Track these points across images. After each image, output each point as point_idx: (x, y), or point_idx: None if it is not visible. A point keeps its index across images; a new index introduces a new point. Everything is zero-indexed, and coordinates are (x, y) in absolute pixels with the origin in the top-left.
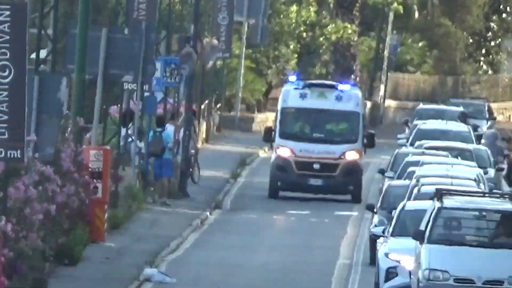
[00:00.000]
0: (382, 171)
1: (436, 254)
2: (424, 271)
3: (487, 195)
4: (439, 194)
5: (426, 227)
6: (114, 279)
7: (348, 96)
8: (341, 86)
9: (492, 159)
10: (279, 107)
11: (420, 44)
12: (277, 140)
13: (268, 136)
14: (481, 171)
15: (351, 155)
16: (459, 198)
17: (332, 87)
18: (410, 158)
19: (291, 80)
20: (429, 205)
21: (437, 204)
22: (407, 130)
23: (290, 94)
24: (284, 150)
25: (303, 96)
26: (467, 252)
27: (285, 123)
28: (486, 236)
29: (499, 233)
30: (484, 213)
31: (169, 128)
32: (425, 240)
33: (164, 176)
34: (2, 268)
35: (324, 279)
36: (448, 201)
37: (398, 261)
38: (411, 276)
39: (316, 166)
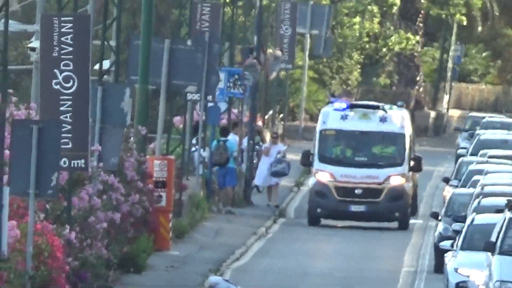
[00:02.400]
0: (446, 180)
1: (508, 265)
2: (496, 283)
3: None
4: (511, 205)
5: (497, 238)
6: (179, 286)
7: (393, 117)
8: (386, 107)
9: None
10: (317, 129)
11: (484, 54)
12: (316, 164)
13: (306, 160)
14: None
15: (396, 180)
16: None
17: (376, 108)
18: (474, 167)
19: (337, 107)
20: (499, 218)
21: (508, 215)
22: (459, 137)
23: (329, 116)
24: (324, 174)
25: (344, 117)
26: None
27: (324, 146)
28: None
29: None
30: None
31: (233, 137)
32: (497, 251)
33: (228, 185)
34: (67, 276)
35: (389, 287)
36: None
37: (468, 276)
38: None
39: (358, 191)
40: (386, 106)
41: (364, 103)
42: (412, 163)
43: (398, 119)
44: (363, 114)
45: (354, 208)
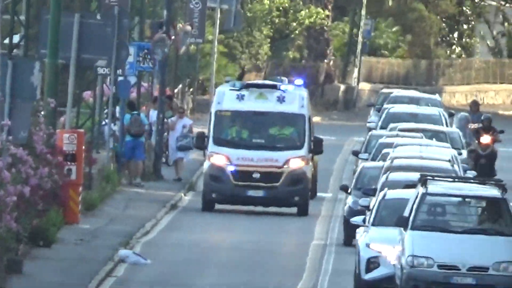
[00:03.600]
0: (356, 153)
1: (420, 240)
2: (408, 258)
3: (471, 181)
4: (423, 180)
5: (410, 213)
6: (88, 260)
7: (292, 96)
8: (283, 86)
9: (464, 140)
10: (212, 110)
11: (394, 28)
12: (211, 146)
13: (200, 142)
14: (455, 152)
15: (296, 163)
16: (443, 184)
17: (273, 87)
18: (384, 140)
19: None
20: (410, 193)
21: (421, 190)
22: (371, 113)
23: (225, 95)
24: (219, 158)
25: (240, 97)
26: (452, 239)
27: (219, 128)
28: (471, 222)
29: (484, 219)
30: (468, 199)
31: (152, 113)
32: (409, 227)
33: (137, 158)
34: None
35: (299, 259)
36: (433, 187)
37: (380, 251)
38: (395, 262)
39: (256, 175)
40: (284, 86)
41: (261, 83)
42: (312, 145)
43: (297, 98)
44: (260, 94)
45: (251, 193)
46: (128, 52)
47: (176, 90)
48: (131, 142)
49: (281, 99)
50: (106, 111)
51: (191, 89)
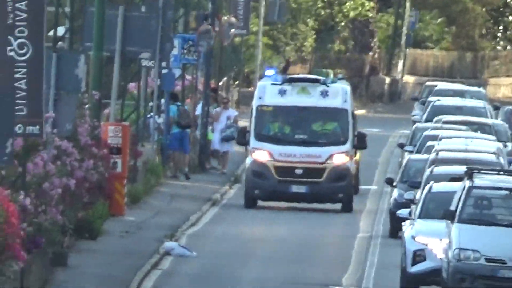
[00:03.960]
0: (401, 145)
1: (467, 233)
2: (455, 251)
3: None
4: (470, 173)
5: (456, 207)
6: (134, 252)
7: (334, 91)
8: (326, 81)
9: (509, 133)
10: (253, 105)
11: (439, 20)
12: (253, 142)
13: (242, 138)
14: (501, 144)
15: (340, 159)
16: (489, 177)
17: (316, 81)
18: (429, 132)
19: (268, 74)
20: (458, 186)
21: (468, 183)
22: (415, 106)
23: (266, 90)
24: (261, 153)
25: (282, 92)
26: (498, 232)
27: (261, 123)
28: None
29: None
30: None
31: (199, 105)
32: (456, 220)
33: (185, 151)
34: (22, 242)
35: (344, 252)
36: (479, 180)
37: (426, 244)
38: (442, 256)
39: (298, 171)
40: (327, 80)
41: (303, 77)
42: (356, 140)
43: (340, 93)
44: (302, 89)
45: (294, 189)
46: (173, 44)
47: (220, 83)
48: (178, 134)
49: (324, 94)
50: (151, 103)
51: (236, 82)
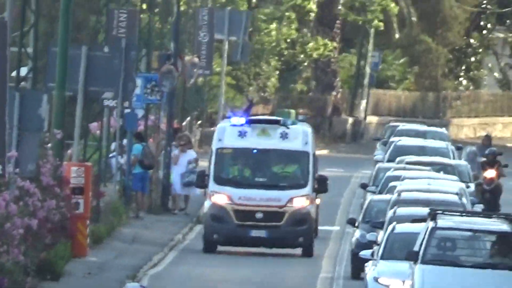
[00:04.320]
0: (364, 186)
1: (430, 274)
2: None
3: (481, 215)
4: (433, 214)
5: (419, 248)
6: None
7: (295, 133)
8: (287, 122)
9: (471, 173)
10: (213, 147)
11: (401, 60)
12: (212, 185)
13: (201, 182)
14: (463, 185)
15: (300, 202)
16: (453, 218)
17: (276, 123)
18: (392, 173)
19: (233, 122)
20: (420, 227)
21: (431, 224)
22: (378, 146)
23: (226, 132)
24: (220, 197)
25: (242, 134)
26: (462, 273)
27: (220, 166)
28: (481, 256)
29: (494, 254)
30: (478, 234)
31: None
32: (419, 261)
33: (145, 191)
34: None
35: None
36: (442, 221)
37: (388, 286)
38: None
39: (258, 215)
40: (287, 121)
41: (263, 118)
42: (316, 183)
43: (301, 135)
44: (262, 130)
45: (254, 233)
46: (135, 84)
47: (184, 123)
48: (141, 174)
49: (284, 136)
50: (113, 143)
51: (199, 122)
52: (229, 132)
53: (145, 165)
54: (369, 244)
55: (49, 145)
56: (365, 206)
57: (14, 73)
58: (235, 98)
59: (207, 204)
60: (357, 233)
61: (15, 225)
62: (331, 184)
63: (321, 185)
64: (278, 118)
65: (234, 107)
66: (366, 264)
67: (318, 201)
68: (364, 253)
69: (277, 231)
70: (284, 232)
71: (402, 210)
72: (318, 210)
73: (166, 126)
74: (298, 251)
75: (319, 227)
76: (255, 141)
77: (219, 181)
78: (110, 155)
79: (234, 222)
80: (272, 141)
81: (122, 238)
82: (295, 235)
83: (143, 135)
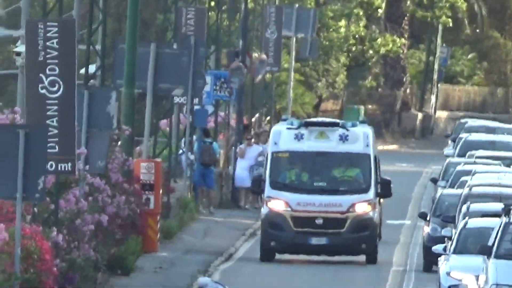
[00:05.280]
0: (434, 180)
1: (504, 269)
2: (492, 286)
3: None
4: (507, 210)
5: (493, 242)
6: None
7: (355, 135)
8: (346, 124)
9: None
10: (268, 151)
11: (470, 56)
12: (268, 191)
13: (257, 187)
14: None
15: (362, 208)
16: None
17: (335, 125)
18: (462, 167)
19: (284, 120)
20: (492, 222)
21: (505, 219)
22: (449, 143)
23: (282, 135)
24: (278, 203)
25: (298, 137)
26: None
27: (277, 171)
28: None
29: None
30: None
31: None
32: (493, 255)
33: (208, 187)
34: (55, 279)
35: (379, 285)
36: None
37: (460, 280)
38: None
39: (318, 221)
40: (347, 123)
41: (321, 121)
42: (379, 187)
43: (361, 137)
44: (320, 133)
45: (314, 240)
46: (205, 81)
47: (253, 119)
48: (200, 170)
49: (343, 138)
50: (183, 140)
51: (267, 118)
52: (285, 135)
53: (205, 162)
54: (441, 238)
55: (119, 142)
56: (436, 201)
57: (82, 71)
58: (304, 95)
59: (263, 210)
60: (429, 227)
61: (85, 221)
62: (402, 179)
63: (385, 189)
64: (337, 120)
65: (303, 103)
66: (439, 259)
67: (382, 203)
68: (437, 248)
69: (338, 238)
70: (346, 239)
71: (475, 206)
72: (382, 213)
73: (236, 122)
74: (362, 258)
75: (390, 221)
76: (312, 144)
77: (276, 186)
78: (180, 151)
79: (292, 229)
80: (330, 144)
81: (192, 233)
82: (358, 242)
83: (209, 131)
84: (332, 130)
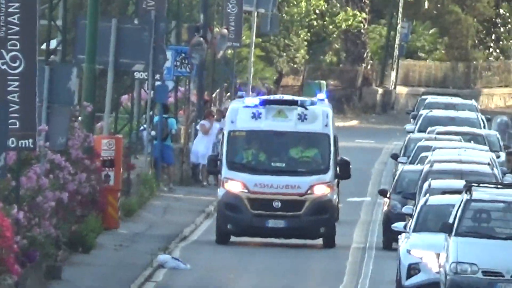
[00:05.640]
0: (395, 156)
1: (464, 246)
2: (452, 264)
3: None
4: (468, 187)
5: (454, 220)
6: (128, 265)
7: (314, 114)
8: (305, 103)
9: (501, 143)
10: (225, 130)
11: (431, 31)
12: (225, 172)
13: (213, 167)
14: (493, 155)
15: (321, 190)
16: (488, 190)
17: (294, 103)
18: (423, 143)
19: (247, 103)
20: (453, 199)
21: (466, 197)
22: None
23: (239, 114)
24: (235, 184)
25: (256, 116)
26: (496, 245)
27: (234, 151)
28: None
29: None
30: None
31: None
32: (453, 233)
33: (166, 163)
34: (16, 256)
35: (339, 263)
36: (477, 194)
37: (421, 258)
38: (440, 269)
39: (276, 204)
40: (306, 102)
41: (279, 99)
42: (338, 169)
43: (320, 116)
44: (279, 112)
45: (271, 223)
46: (166, 56)
47: (213, 95)
48: (158, 146)
49: (302, 117)
50: (144, 116)
51: (228, 94)
52: (242, 114)
53: (162, 138)
54: (401, 215)
55: (79, 118)
56: (396, 177)
57: (44, 46)
58: (264, 70)
59: (220, 191)
60: (389, 204)
61: (46, 198)
62: (362, 155)
63: (343, 171)
64: (296, 98)
65: (264, 78)
66: (399, 236)
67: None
68: (397, 225)
69: (296, 221)
70: (305, 222)
71: (436, 183)
72: (339, 196)
73: (197, 98)
74: (319, 241)
75: (350, 199)
76: (270, 123)
77: (233, 166)
78: (141, 127)
79: (249, 212)
80: (289, 123)
81: (153, 210)
82: (316, 225)
83: (168, 106)
84: (291, 109)
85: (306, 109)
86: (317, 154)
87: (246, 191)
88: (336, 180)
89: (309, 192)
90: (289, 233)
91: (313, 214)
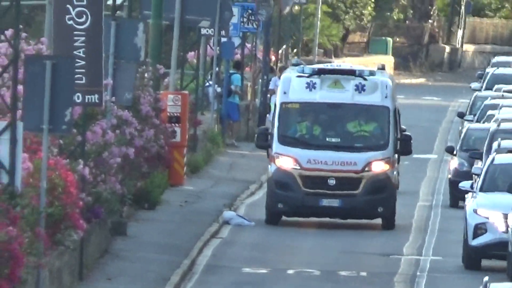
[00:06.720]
0: (461, 115)
1: None
2: None
3: None
4: None
5: None
6: (193, 222)
7: (373, 84)
8: (364, 73)
9: None
10: (277, 101)
11: None
12: (276, 146)
13: (262, 141)
14: None
15: (379, 166)
16: None
17: (351, 73)
18: (489, 101)
19: (295, 65)
20: None
21: None
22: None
23: (292, 84)
24: (286, 160)
25: (310, 86)
26: None
27: (286, 124)
28: None
29: None
30: None
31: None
32: None
33: (231, 120)
34: (81, 212)
35: (405, 221)
36: None
37: (487, 217)
38: (504, 229)
39: (331, 181)
40: (364, 72)
41: (336, 68)
42: (399, 144)
43: (379, 87)
44: (335, 82)
45: (325, 202)
46: (232, 13)
47: (280, 51)
48: (225, 102)
49: (360, 88)
50: (210, 72)
51: (294, 50)
52: (295, 84)
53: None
54: (467, 173)
55: (147, 75)
56: (462, 135)
57: (110, 2)
58: (331, 26)
59: (270, 168)
60: (455, 161)
61: (112, 154)
62: (429, 113)
63: (405, 146)
64: (354, 68)
65: (330, 35)
66: (466, 196)
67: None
68: (464, 185)
69: (352, 200)
70: (361, 202)
71: (507, 143)
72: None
73: (263, 54)
74: (378, 221)
75: (417, 155)
76: (325, 94)
77: (284, 141)
78: (207, 83)
79: (302, 190)
80: (346, 95)
81: (219, 166)
82: (374, 205)
83: (240, 63)
84: (348, 79)
85: (365, 79)
86: (376, 128)
87: (299, 167)
88: (397, 156)
89: (366, 169)
90: (344, 213)
91: (370, 193)
